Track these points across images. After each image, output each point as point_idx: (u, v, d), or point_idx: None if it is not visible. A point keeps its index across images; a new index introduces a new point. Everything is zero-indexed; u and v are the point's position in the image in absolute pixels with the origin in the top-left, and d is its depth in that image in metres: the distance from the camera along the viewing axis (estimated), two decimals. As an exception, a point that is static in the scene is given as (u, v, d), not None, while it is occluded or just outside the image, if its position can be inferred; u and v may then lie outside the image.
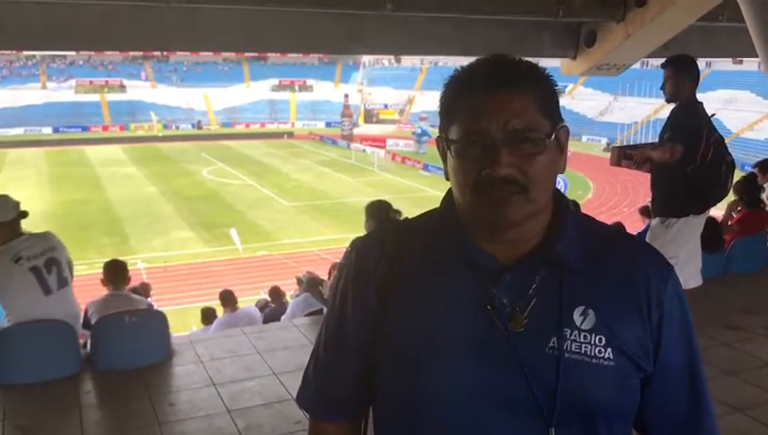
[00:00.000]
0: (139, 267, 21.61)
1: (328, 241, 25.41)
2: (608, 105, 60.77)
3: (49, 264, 3.87)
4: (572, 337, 1.01)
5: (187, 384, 3.91)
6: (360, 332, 1.11)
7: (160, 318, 4.28)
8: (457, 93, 1.04)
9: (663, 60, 4.26)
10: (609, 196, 33.16)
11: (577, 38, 7.59)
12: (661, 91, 4.21)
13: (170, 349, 4.26)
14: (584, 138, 57.39)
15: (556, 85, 1.06)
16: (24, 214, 3.92)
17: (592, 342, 1.01)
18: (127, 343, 4.03)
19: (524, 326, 1.01)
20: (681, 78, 4.10)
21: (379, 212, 4.73)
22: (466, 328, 1.02)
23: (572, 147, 58.70)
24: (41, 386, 3.77)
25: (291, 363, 4.19)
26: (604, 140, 54.77)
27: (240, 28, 6.67)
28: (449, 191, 1.11)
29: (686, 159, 4.00)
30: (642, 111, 52.56)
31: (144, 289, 8.72)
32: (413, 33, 7.28)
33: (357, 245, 1.20)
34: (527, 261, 1.04)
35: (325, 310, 4.97)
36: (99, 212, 29.47)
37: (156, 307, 5.59)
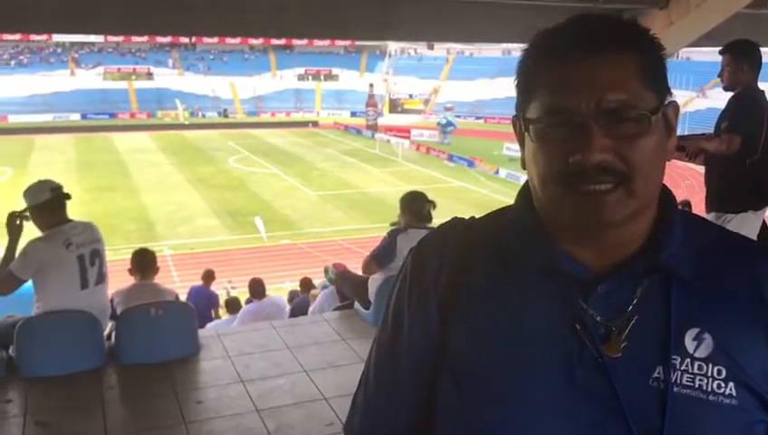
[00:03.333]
0: (165, 254, 21.75)
1: (351, 231, 25.40)
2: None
3: (93, 256, 3.74)
4: (683, 367, 0.80)
5: (214, 380, 3.75)
6: (419, 356, 0.91)
7: (188, 311, 4.13)
8: (537, 61, 0.82)
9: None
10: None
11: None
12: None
13: (197, 343, 4.11)
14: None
15: (663, 49, 0.83)
16: (67, 196, 3.78)
17: (709, 373, 0.79)
18: (153, 337, 3.88)
19: (622, 351, 0.81)
20: (740, 65, 3.85)
21: (414, 203, 4.55)
22: (549, 352, 0.82)
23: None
24: (63, 379, 3.64)
25: (321, 360, 4.02)
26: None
27: (269, 13, 6.52)
28: (526, 184, 0.90)
29: (745, 151, 3.76)
30: (668, 101, 51.68)
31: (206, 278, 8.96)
32: (446, 21, 7.06)
33: (413, 252, 0.99)
34: (626, 270, 0.83)
35: (357, 305, 4.80)
36: (125, 199, 29.73)
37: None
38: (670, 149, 0.84)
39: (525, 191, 0.91)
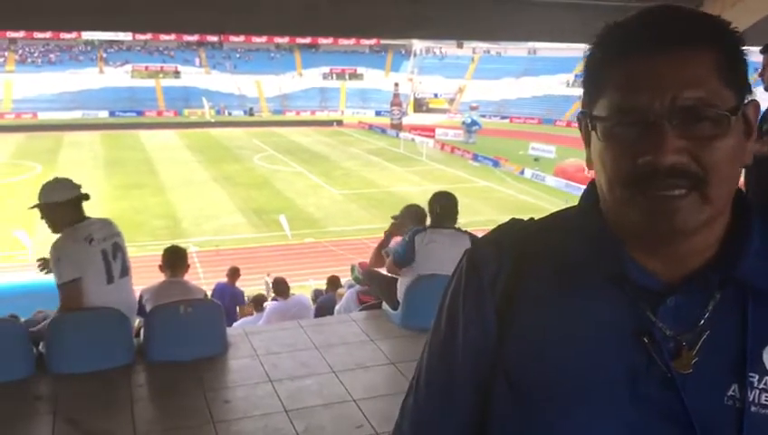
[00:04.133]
0: (191, 251, 21.94)
1: (375, 230, 25.31)
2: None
3: (115, 249, 3.74)
4: (761, 385, 0.74)
5: (242, 380, 3.73)
6: (474, 360, 0.86)
7: (217, 309, 4.11)
8: (607, 56, 0.76)
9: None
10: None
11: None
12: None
13: (226, 341, 4.09)
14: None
15: (743, 43, 0.76)
16: (86, 196, 3.78)
17: None
18: (182, 335, 3.87)
19: (693, 367, 0.75)
20: None
21: (437, 204, 4.49)
22: (614, 365, 0.77)
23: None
24: (93, 376, 3.64)
25: (350, 361, 3.97)
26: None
27: (298, 11, 6.50)
28: (591, 185, 0.84)
29: None
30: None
31: (231, 274, 8.98)
32: (475, 17, 6.98)
33: (469, 254, 0.93)
34: (699, 280, 0.76)
35: (385, 305, 4.74)
36: (152, 196, 30.05)
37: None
38: (749, 151, 0.77)
39: (590, 193, 0.85)
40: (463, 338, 0.87)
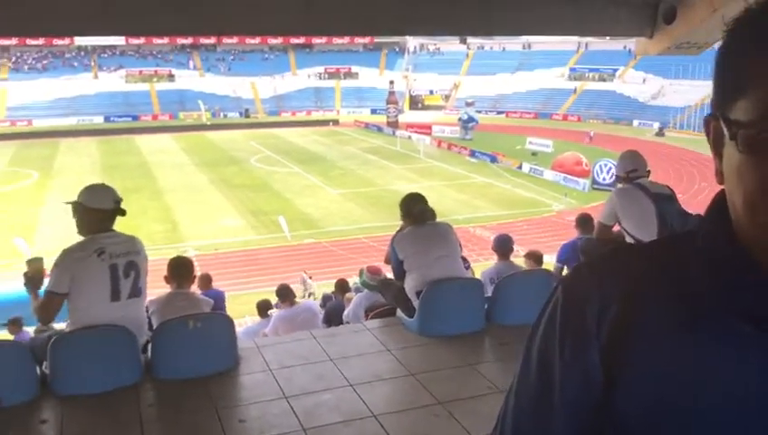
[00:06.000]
0: (190, 254, 21.78)
1: (374, 228, 25.28)
2: (660, 88, 58.87)
3: (128, 267, 3.56)
4: None
5: (256, 396, 3.56)
6: (576, 422, 0.72)
7: (227, 322, 3.94)
8: (751, 49, 0.61)
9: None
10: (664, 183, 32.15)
11: (654, 15, 7.00)
12: None
13: (237, 355, 3.93)
14: (635, 122, 55.93)
15: None
16: (122, 211, 3.63)
17: None
18: (191, 350, 3.70)
19: None
20: None
21: (409, 205, 4.47)
22: (752, 417, 0.64)
23: (623, 132, 57.57)
24: (99, 397, 3.47)
25: (367, 373, 3.81)
26: (656, 125, 53.35)
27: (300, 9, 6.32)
28: (719, 201, 0.69)
29: None
30: (697, 94, 50.90)
31: (203, 281, 8.56)
32: (472, 13, 6.81)
33: (565, 288, 0.77)
34: None
35: (399, 313, 4.58)
36: (150, 200, 29.87)
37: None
38: None
39: (718, 211, 0.70)
40: (561, 392, 0.73)
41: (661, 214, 4.23)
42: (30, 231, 23.33)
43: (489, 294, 4.68)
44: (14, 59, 67.15)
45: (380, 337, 4.33)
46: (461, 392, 3.58)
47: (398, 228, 4.67)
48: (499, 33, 12.51)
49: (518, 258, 7.26)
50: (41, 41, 63.20)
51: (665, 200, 4.29)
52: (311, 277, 19.61)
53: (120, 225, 3.66)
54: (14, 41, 63.33)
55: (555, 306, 0.76)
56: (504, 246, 6.26)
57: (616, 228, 4.54)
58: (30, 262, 3.79)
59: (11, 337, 7.81)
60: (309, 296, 16.71)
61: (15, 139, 49.49)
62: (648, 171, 4.57)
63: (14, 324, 8.14)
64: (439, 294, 4.21)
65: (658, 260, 0.73)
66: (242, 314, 14.33)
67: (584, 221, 7.14)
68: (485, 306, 4.50)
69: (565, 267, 6.94)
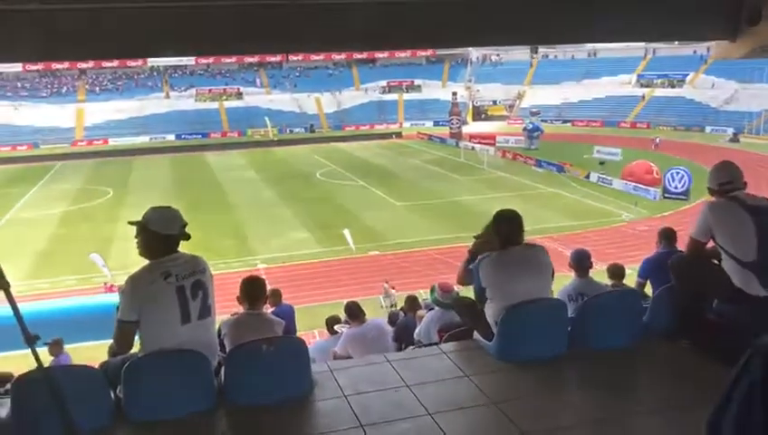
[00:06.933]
0: (258, 268, 22.12)
1: (439, 240, 25.07)
2: (733, 93, 56.44)
3: (196, 287, 3.46)
4: None
5: (332, 425, 3.41)
6: None
7: (300, 345, 3.83)
8: None
9: None
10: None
11: (737, 17, 6.59)
12: None
13: (311, 380, 3.80)
14: (708, 128, 53.82)
15: None
16: (187, 236, 3.57)
17: None
18: (265, 375, 3.59)
19: None
20: None
21: (503, 224, 4.14)
22: None
23: (695, 138, 55.63)
24: (173, 423, 3.40)
25: (446, 401, 3.61)
26: (730, 130, 51.17)
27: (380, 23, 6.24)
28: None
29: None
30: (771, 97, 48.70)
31: (273, 297, 8.51)
32: (540, 19, 6.57)
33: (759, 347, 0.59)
34: None
35: (477, 335, 4.36)
36: (220, 215, 30.56)
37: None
38: None
39: None
40: None
41: (761, 228, 3.89)
42: (106, 247, 24.19)
43: (570, 314, 4.41)
44: (90, 81, 70.38)
45: (457, 361, 4.12)
46: (548, 423, 3.35)
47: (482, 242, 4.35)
48: (573, 40, 12.16)
49: (595, 272, 6.91)
50: (115, 63, 65.99)
51: (764, 213, 3.94)
52: (393, 287, 19.57)
53: (192, 240, 3.57)
54: (90, 64, 66.44)
55: (753, 374, 0.60)
56: (582, 262, 5.97)
57: (710, 245, 4.21)
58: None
59: (50, 358, 7.74)
60: (392, 307, 16.61)
61: (92, 157, 51.76)
62: (745, 183, 4.22)
63: (56, 346, 8.01)
64: (521, 317, 3.98)
65: None
66: (310, 327, 14.38)
67: (667, 235, 6.75)
68: (569, 328, 4.24)
69: (648, 283, 6.56)
